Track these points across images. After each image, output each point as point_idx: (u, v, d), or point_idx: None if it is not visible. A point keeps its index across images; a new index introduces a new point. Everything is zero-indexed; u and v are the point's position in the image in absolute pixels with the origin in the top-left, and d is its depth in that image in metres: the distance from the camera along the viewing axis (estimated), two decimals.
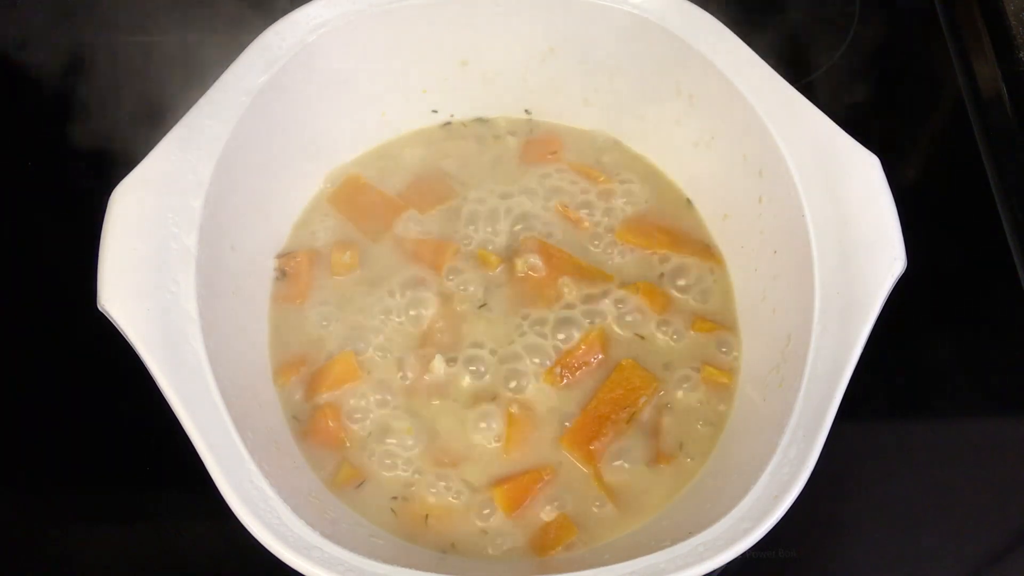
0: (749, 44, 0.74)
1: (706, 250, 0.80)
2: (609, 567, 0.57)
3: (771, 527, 0.57)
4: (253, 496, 0.57)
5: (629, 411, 0.72)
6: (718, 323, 0.77)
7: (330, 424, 0.71)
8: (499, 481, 0.70)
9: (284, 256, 0.78)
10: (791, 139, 0.70)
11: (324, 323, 0.76)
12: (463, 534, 0.68)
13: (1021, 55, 0.94)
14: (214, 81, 0.71)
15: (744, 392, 0.73)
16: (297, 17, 0.75)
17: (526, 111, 0.86)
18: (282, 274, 0.77)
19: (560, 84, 0.84)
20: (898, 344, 0.80)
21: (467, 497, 0.69)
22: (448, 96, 0.84)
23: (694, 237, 0.81)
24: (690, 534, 0.58)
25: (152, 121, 0.71)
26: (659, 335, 0.76)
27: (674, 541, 0.58)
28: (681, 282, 0.79)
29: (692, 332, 0.76)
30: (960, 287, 0.88)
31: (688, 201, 0.83)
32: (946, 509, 0.77)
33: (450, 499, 0.69)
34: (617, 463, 0.71)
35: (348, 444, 0.71)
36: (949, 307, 0.87)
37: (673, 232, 0.81)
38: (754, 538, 0.57)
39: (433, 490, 0.70)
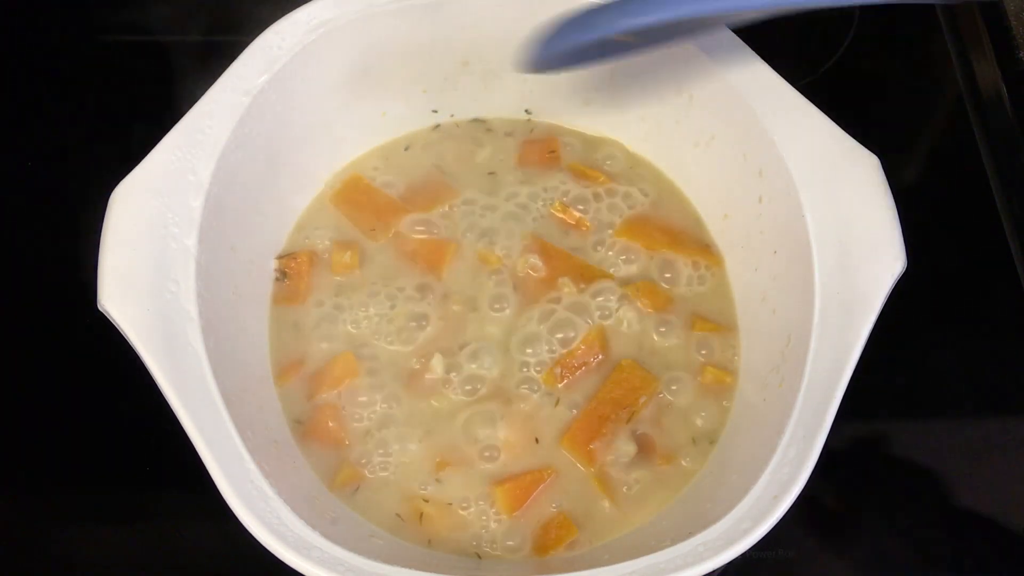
0: (749, 44, 0.74)
1: (706, 250, 0.80)
2: (609, 567, 0.57)
3: (771, 527, 0.57)
4: (253, 496, 0.57)
5: (629, 411, 0.72)
6: (718, 323, 0.77)
7: (330, 424, 0.71)
8: (500, 481, 0.70)
9: (285, 257, 0.78)
10: (791, 139, 0.70)
11: (324, 323, 0.76)
12: (464, 534, 0.68)
13: (1021, 55, 0.94)
14: (214, 81, 0.71)
15: (744, 392, 0.73)
16: (297, 17, 0.75)
17: (526, 111, 0.86)
18: (282, 275, 0.77)
19: (560, 84, 0.84)
20: (898, 344, 0.80)
21: (468, 497, 0.70)
22: (448, 96, 0.84)
23: (694, 237, 0.81)
24: (690, 534, 0.58)
25: (152, 121, 0.71)
26: (659, 335, 0.76)
27: (674, 541, 0.58)
28: (681, 282, 0.79)
29: (692, 332, 0.76)
30: (960, 287, 0.88)
31: (688, 201, 0.83)
32: (946, 509, 0.77)
33: (450, 500, 0.69)
34: (618, 463, 0.71)
35: (348, 444, 0.71)
36: (949, 307, 0.87)
37: (673, 232, 0.81)
38: (754, 538, 0.57)
39: (433, 490, 0.70)
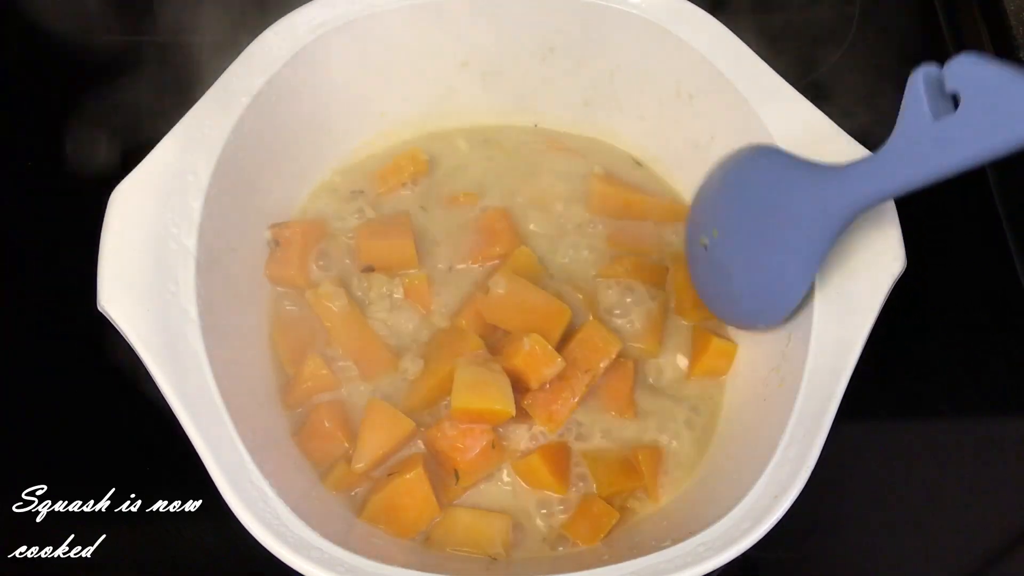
0: (749, 44, 0.74)
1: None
2: (609, 567, 0.57)
3: (771, 527, 0.57)
4: (253, 496, 0.57)
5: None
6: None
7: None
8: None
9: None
10: (791, 139, 0.70)
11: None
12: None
13: (1021, 55, 0.94)
14: (214, 81, 0.71)
15: (744, 392, 0.73)
16: (296, 18, 0.75)
17: (526, 112, 0.86)
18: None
19: (560, 84, 0.84)
20: (898, 344, 0.80)
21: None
22: (448, 96, 0.84)
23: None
24: (690, 534, 0.58)
25: (152, 121, 0.71)
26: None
27: (674, 541, 0.58)
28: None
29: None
30: (960, 287, 0.88)
31: (687, 201, 0.83)
32: (946, 509, 0.77)
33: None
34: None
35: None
36: (949, 307, 0.87)
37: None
38: (754, 538, 0.57)
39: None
